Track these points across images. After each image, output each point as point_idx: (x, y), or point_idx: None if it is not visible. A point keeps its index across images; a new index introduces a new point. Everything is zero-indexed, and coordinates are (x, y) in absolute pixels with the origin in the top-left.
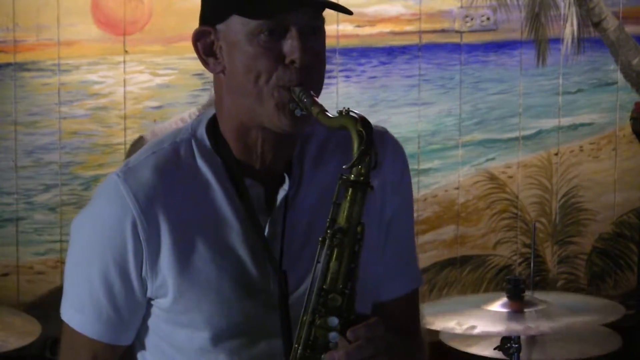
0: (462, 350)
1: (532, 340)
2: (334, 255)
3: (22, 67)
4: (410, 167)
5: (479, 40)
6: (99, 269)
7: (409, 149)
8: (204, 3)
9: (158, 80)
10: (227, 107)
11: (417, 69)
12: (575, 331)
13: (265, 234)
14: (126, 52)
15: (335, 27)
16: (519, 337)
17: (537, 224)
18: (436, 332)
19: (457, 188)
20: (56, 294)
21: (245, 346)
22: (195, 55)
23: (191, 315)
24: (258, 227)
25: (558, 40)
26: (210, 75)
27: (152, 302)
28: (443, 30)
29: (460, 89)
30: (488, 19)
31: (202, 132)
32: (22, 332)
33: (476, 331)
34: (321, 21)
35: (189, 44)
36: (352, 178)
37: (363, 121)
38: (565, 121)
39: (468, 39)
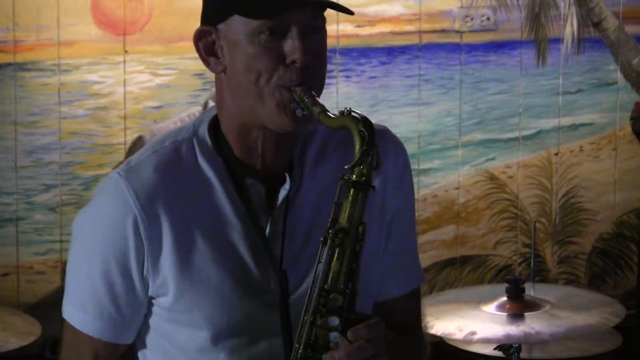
0: (462, 349)
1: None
2: (335, 256)
3: (22, 67)
4: (411, 166)
5: (479, 40)
6: (100, 268)
7: (409, 149)
8: (206, 3)
9: (158, 80)
10: (228, 106)
11: (417, 69)
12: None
13: (266, 233)
14: (126, 52)
15: (336, 27)
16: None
17: (537, 224)
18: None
19: (457, 188)
20: (56, 294)
21: (246, 345)
22: (195, 55)
23: (192, 314)
24: (259, 226)
25: (558, 40)
26: (210, 76)
27: (153, 301)
28: (443, 30)
29: (460, 89)
30: (488, 19)
31: (203, 131)
32: (22, 332)
33: (476, 337)
34: (322, 21)
35: (189, 44)
36: (353, 178)
37: (365, 121)
38: (565, 121)
39: (468, 39)
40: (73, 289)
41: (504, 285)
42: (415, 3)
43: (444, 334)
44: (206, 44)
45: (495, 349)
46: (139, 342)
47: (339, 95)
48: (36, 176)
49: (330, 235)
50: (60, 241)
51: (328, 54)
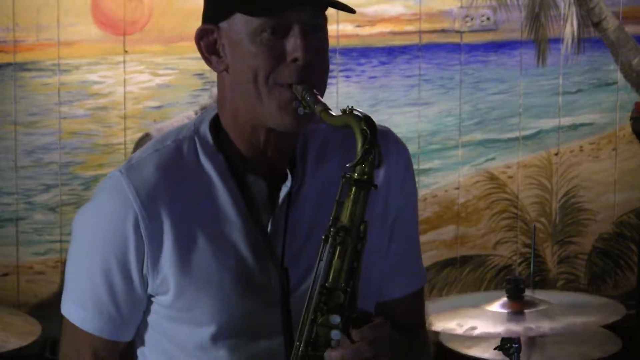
0: (461, 352)
1: (532, 341)
2: (337, 254)
3: (22, 67)
4: (413, 167)
5: (479, 40)
6: (100, 265)
7: (409, 149)
8: (207, 1)
9: (158, 80)
10: (230, 105)
11: (417, 69)
12: (575, 332)
13: (268, 230)
14: (126, 52)
15: (336, 27)
16: (519, 338)
17: (537, 224)
18: (436, 333)
19: (457, 188)
20: (56, 294)
21: (246, 343)
22: (195, 55)
23: (192, 312)
24: (260, 224)
25: (558, 40)
26: (210, 76)
27: (153, 299)
28: (443, 30)
29: (460, 89)
30: (488, 19)
31: (205, 129)
32: (22, 332)
33: (476, 332)
34: (323, 19)
35: (189, 44)
36: (355, 177)
37: (367, 120)
38: (565, 121)
39: (468, 39)
40: (73, 286)
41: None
42: (415, 3)
43: (444, 329)
44: (208, 43)
45: (495, 349)
46: (138, 339)
47: (339, 95)
48: (36, 176)
49: (331, 233)
50: (60, 241)
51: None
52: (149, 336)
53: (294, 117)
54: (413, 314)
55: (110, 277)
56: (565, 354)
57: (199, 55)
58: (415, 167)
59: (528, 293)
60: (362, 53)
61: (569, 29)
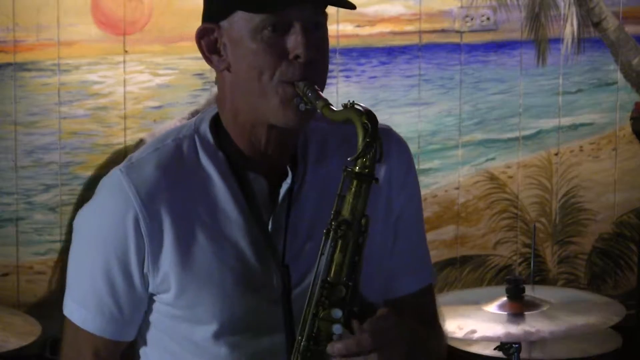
0: (462, 350)
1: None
2: (338, 247)
3: (22, 67)
4: (415, 165)
5: (479, 40)
6: (101, 265)
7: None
8: (208, 0)
9: (158, 80)
10: (230, 103)
11: (417, 69)
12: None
13: (269, 228)
14: (126, 52)
15: (336, 27)
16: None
17: (537, 224)
18: None
19: (457, 188)
20: (56, 294)
21: (248, 340)
22: (195, 55)
23: (193, 310)
24: (261, 221)
25: (558, 40)
26: (210, 76)
27: (155, 298)
28: (443, 30)
29: (460, 89)
30: (488, 19)
31: (205, 128)
32: (22, 332)
33: (476, 336)
34: (324, 17)
35: (189, 44)
36: (356, 170)
37: (368, 114)
38: (565, 121)
39: (468, 39)
40: (74, 285)
41: (504, 287)
42: (415, 3)
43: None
44: (209, 42)
45: (495, 349)
46: (140, 339)
47: (339, 95)
48: (36, 176)
49: (333, 227)
50: (60, 241)
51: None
52: (150, 335)
53: (295, 114)
54: (423, 311)
55: (112, 276)
56: (566, 350)
57: (199, 55)
58: (415, 163)
59: (528, 291)
60: (362, 53)
61: (569, 29)
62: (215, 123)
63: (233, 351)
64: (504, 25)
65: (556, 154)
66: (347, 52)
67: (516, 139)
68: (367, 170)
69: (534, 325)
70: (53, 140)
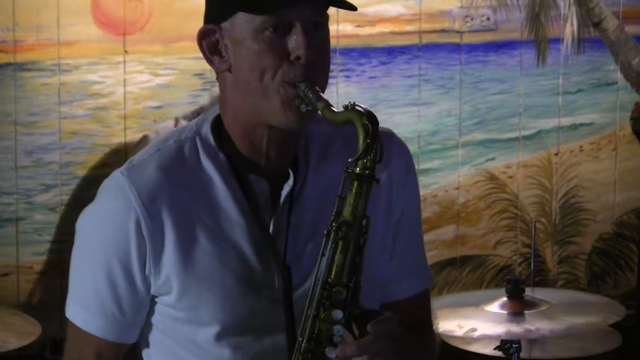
0: (462, 349)
1: (533, 338)
2: (339, 249)
3: (22, 67)
4: (415, 169)
5: (479, 40)
6: (103, 267)
7: (409, 149)
8: (209, 1)
9: (158, 80)
10: (232, 105)
11: (417, 69)
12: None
13: (270, 230)
14: (126, 52)
15: (336, 27)
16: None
17: (537, 224)
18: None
19: (457, 188)
20: (56, 294)
21: (250, 341)
22: (195, 55)
23: (195, 312)
24: (262, 223)
25: (558, 40)
26: (210, 76)
27: (157, 300)
28: (443, 30)
29: (460, 89)
30: (488, 19)
31: (206, 130)
32: (22, 332)
33: (476, 334)
34: (325, 17)
35: (189, 44)
36: (357, 171)
37: (369, 115)
38: (565, 121)
39: (468, 39)
40: (76, 288)
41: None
42: (415, 3)
43: (445, 330)
44: (210, 43)
45: (495, 349)
46: (143, 341)
47: (339, 95)
48: (36, 176)
49: (333, 228)
50: (61, 241)
51: None
52: (153, 337)
53: (296, 115)
54: (419, 315)
55: (114, 278)
56: (566, 349)
57: (199, 55)
58: (415, 167)
59: (528, 292)
60: (362, 53)
61: (569, 29)
62: (217, 124)
63: (235, 352)
64: (504, 25)
65: (556, 154)
66: (347, 52)
67: (516, 139)
68: (367, 171)
69: (534, 324)
70: (53, 140)
